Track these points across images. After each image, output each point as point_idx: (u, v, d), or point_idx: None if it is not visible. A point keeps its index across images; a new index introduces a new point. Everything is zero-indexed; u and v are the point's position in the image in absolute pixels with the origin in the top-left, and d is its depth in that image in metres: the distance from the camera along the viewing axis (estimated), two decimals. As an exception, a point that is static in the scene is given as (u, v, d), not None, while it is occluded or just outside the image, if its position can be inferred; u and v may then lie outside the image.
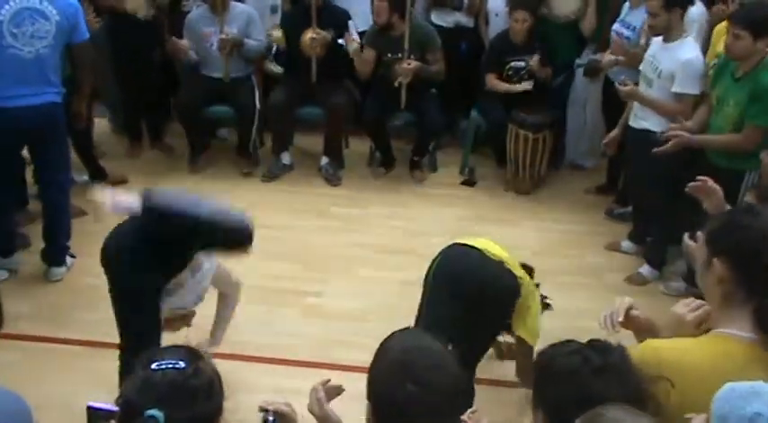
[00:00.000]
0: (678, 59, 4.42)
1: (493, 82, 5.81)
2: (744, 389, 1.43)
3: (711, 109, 4.27)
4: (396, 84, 5.71)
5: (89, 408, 2.04)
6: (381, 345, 1.80)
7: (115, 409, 1.86)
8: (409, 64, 5.65)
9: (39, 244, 4.77)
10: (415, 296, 3.93)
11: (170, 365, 1.70)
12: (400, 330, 1.86)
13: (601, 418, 1.49)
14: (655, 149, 4.22)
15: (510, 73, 5.78)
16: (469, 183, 5.99)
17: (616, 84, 4.83)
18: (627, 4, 5.29)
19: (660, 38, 4.54)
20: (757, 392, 1.41)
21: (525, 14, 5.57)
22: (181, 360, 1.72)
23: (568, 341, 1.75)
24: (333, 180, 5.95)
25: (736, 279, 1.84)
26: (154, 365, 1.71)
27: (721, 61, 4.28)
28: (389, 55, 5.76)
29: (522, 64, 5.72)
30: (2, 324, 1.91)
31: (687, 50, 4.44)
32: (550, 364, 1.70)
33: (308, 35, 5.68)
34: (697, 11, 4.72)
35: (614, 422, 1.47)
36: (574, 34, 5.77)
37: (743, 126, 4.06)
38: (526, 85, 5.72)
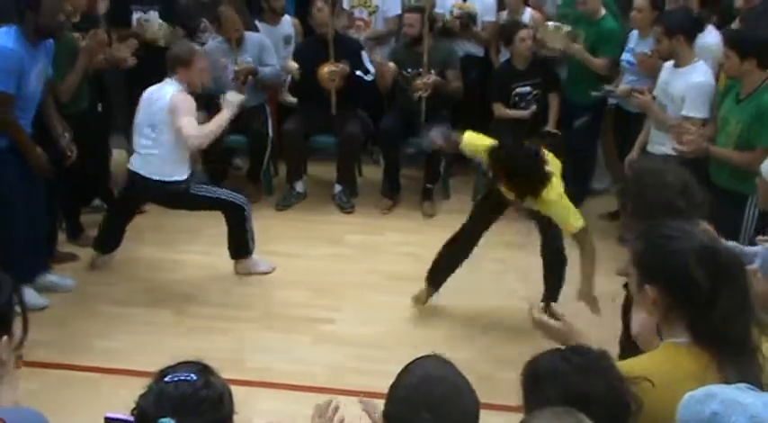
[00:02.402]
0: (688, 82, 4.44)
1: (501, 111, 5.86)
2: (700, 394, 1.52)
3: (717, 128, 4.29)
4: (415, 96, 5.79)
5: (106, 418, 2.09)
6: (405, 367, 1.84)
7: (131, 419, 1.92)
8: (429, 78, 5.74)
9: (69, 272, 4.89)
10: (428, 323, 3.98)
11: (182, 378, 1.82)
12: (425, 356, 1.90)
13: None
14: (673, 147, 4.23)
15: (516, 99, 5.84)
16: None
17: (633, 94, 4.85)
18: (634, 32, 5.33)
19: (671, 63, 4.58)
20: (712, 394, 1.50)
21: (527, 32, 5.68)
22: (192, 373, 1.83)
23: (552, 349, 1.82)
24: (346, 208, 6.01)
25: (669, 302, 1.92)
26: (167, 378, 1.82)
27: (730, 82, 4.32)
28: (409, 70, 5.85)
29: (528, 89, 5.78)
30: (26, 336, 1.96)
31: (698, 74, 4.45)
32: (534, 368, 1.75)
33: (327, 68, 5.78)
34: (713, 39, 4.72)
35: None
36: (597, 75, 5.67)
37: (744, 145, 4.08)
38: (532, 109, 5.78)
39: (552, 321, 2.30)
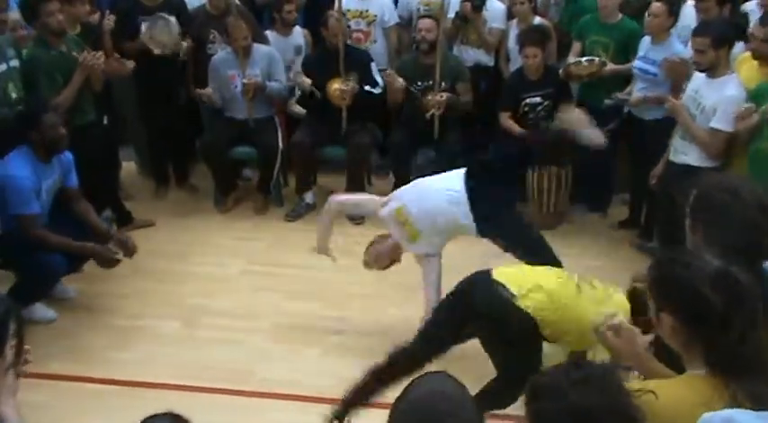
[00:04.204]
0: (722, 94, 4.36)
1: (507, 122, 5.81)
2: (718, 418, 1.51)
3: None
4: (428, 116, 5.78)
5: None
6: (410, 382, 1.83)
7: None
8: (441, 96, 5.72)
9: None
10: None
11: None
12: (430, 373, 1.89)
13: None
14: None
15: (526, 109, 5.80)
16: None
17: (668, 100, 4.75)
18: (647, 39, 5.29)
19: (703, 74, 4.48)
20: (731, 419, 1.48)
21: (535, 50, 5.60)
22: None
23: (556, 365, 1.80)
24: (356, 218, 6.00)
25: (685, 328, 1.91)
26: None
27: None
28: (419, 83, 5.84)
29: (538, 99, 5.75)
30: (20, 358, 1.96)
31: (732, 87, 4.36)
32: (536, 384, 1.74)
33: (336, 86, 5.78)
34: (738, 49, 4.68)
35: None
36: (616, 79, 5.67)
37: None
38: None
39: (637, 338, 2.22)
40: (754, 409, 1.72)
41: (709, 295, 1.84)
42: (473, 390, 1.82)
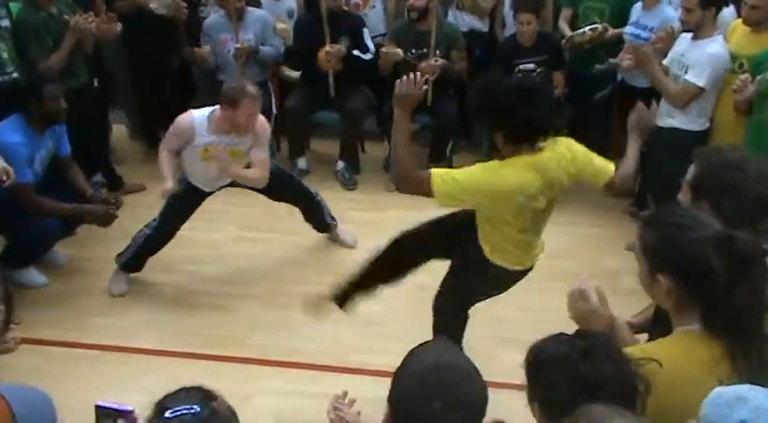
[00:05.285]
0: (705, 52, 4.40)
1: None
2: (730, 395, 1.47)
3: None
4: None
5: (97, 406, 2.07)
6: (411, 352, 1.79)
7: (124, 408, 1.88)
8: (436, 61, 5.67)
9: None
10: (431, 301, 3.94)
11: (185, 411, 1.65)
12: (433, 341, 1.87)
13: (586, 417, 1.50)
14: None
15: (519, 76, 5.74)
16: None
17: (637, 49, 4.68)
18: (639, 5, 5.27)
19: (689, 35, 4.52)
20: (743, 398, 1.45)
21: (530, 16, 5.55)
22: (195, 404, 1.67)
23: (556, 334, 1.79)
24: (349, 184, 5.98)
25: (683, 290, 1.89)
26: (168, 414, 1.65)
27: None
28: (414, 50, 5.78)
29: (531, 66, 5.68)
30: (7, 324, 1.94)
31: (716, 46, 4.42)
32: (538, 355, 1.73)
33: (324, 50, 5.72)
34: (730, 13, 4.69)
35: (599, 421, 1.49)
36: (608, 45, 5.58)
37: None
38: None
39: (599, 307, 2.16)
40: (750, 372, 1.74)
41: (712, 258, 1.81)
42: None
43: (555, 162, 3.06)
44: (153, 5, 5.63)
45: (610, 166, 3.17)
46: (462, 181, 2.96)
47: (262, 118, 4.45)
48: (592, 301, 2.12)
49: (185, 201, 4.59)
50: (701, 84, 4.41)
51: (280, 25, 6.01)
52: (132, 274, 4.72)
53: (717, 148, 2.85)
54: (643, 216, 2.30)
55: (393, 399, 1.73)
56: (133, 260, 4.64)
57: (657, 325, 2.33)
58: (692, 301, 1.89)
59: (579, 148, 3.15)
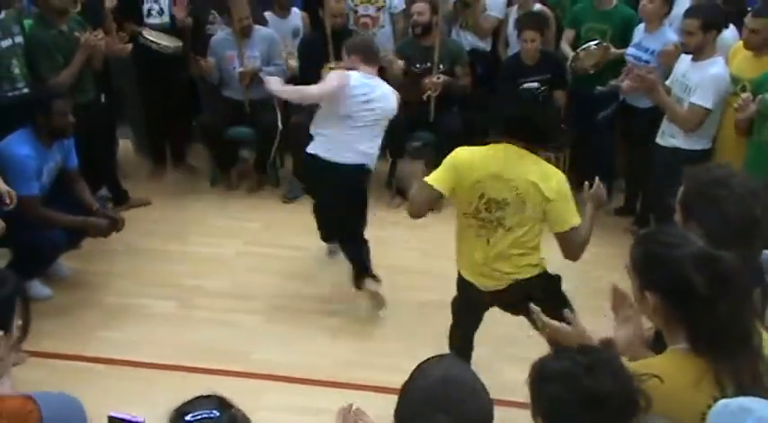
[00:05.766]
0: (706, 73, 4.43)
1: None
2: (735, 406, 1.51)
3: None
4: (425, 97, 5.77)
5: (110, 417, 2.09)
6: (419, 367, 1.82)
7: (136, 419, 1.91)
8: (438, 78, 5.72)
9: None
10: (432, 317, 3.97)
11: (204, 416, 1.72)
12: (440, 356, 1.89)
13: None
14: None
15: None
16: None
17: (644, 78, 4.65)
18: (641, 27, 5.30)
19: (689, 57, 4.56)
20: (748, 409, 1.49)
21: (533, 34, 5.59)
22: (214, 409, 1.74)
23: (560, 350, 1.82)
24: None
25: (668, 307, 1.93)
26: (189, 417, 1.72)
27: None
28: (418, 65, 5.83)
29: (535, 85, 5.72)
30: (25, 336, 1.97)
31: (717, 68, 4.45)
32: (542, 370, 1.75)
33: (328, 67, 5.76)
34: (731, 35, 4.72)
35: None
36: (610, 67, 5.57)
37: None
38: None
39: (563, 325, 2.28)
40: (737, 391, 1.76)
41: (692, 276, 1.86)
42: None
43: (524, 172, 3.22)
44: (154, 47, 5.70)
45: (572, 220, 3.30)
46: (445, 162, 3.35)
47: None
48: (561, 328, 2.28)
49: None
50: (708, 105, 4.43)
51: (292, 63, 6.00)
52: (134, 290, 4.76)
53: (705, 166, 2.88)
54: (635, 235, 2.35)
55: (399, 413, 1.75)
56: None
57: (657, 342, 2.36)
58: (678, 319, 1.92)
59: (563, 188, 3.28)
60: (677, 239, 1.97)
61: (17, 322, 1.89)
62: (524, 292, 3.32)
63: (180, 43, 5.83)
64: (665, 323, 1.97)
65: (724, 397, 1.70)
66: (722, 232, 2.23)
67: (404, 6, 6.31)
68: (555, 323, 2.30)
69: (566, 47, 5.80)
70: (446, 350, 3.62)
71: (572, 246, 3.36)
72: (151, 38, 5.69)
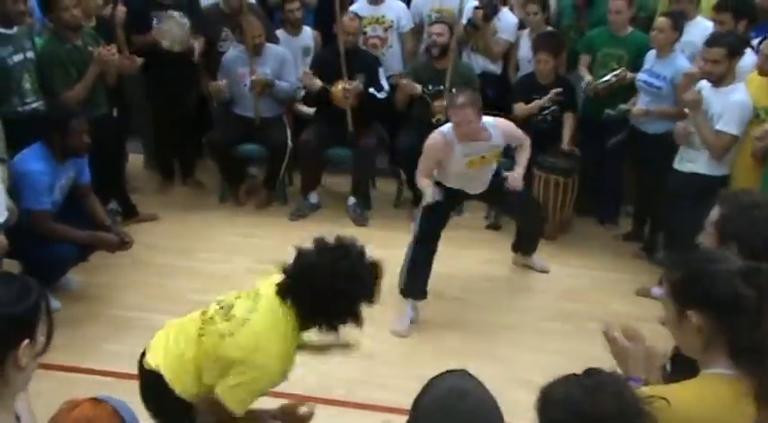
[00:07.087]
0: (729, 99, 4.44)
1: (521, 109, 5.78)
2: None
3: None
4: (434, 120, 5.78)
5: None
6: (430, 381, 1.83)
7: None
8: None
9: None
10: (438, 338, 3.96)
11: None
12: (450, 371, 1.89)
13: None
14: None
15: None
16: (494, 227, 6.02)
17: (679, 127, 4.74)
18: (652, 53, 5.30)
19: (707, 84, 4.55)
20: None
21: (547, 55, 5.63)
22: None
23: (567, 375, 1.81)
24: (360, 220, 6.00)
25: (713, 324, 1.92)
26: None
27: None
28: (430, 87, 5.85)
29: (547, 100, 5.72)
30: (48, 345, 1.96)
31: (739, 94, 4.46)
32: (547, 394, 1.75)
33: (340, 87, 5.79)
34: (749, 59, 4.73)
35: None
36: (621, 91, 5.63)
37: None
38: (547, 100, 5.71)
39: (629, 343, 2.15)
40: None
41: (742, 288, 1.87)
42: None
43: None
44: (165, 44, 5.74)
45: None
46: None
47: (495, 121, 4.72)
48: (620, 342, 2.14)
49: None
50: (734, 132, 4.43)
51: (317, 82, 5.95)
52: (140, 304, 4.77)
53: (742, 190, 2.94)
54: (666, 259, 2.34)
55: None
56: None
57: (674, 370, 2.34)
58: (722, 336, 1.91)
59: None
60: (719, 256, 1.99)
61: (42, 331, 1.89)
62: None
63: (189, 37, 5.83)
64: (705, 344, 1.95)
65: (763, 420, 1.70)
66: (763, 251, 2.29)
67: (412, 25, 6.36)
68: (626, 343, 2.13)
69: (583, 70, 5.80)
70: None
71: None
72: (162, 31, 5.73)
